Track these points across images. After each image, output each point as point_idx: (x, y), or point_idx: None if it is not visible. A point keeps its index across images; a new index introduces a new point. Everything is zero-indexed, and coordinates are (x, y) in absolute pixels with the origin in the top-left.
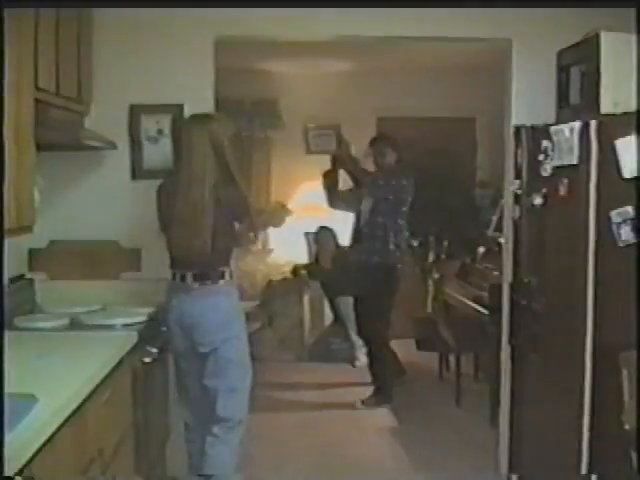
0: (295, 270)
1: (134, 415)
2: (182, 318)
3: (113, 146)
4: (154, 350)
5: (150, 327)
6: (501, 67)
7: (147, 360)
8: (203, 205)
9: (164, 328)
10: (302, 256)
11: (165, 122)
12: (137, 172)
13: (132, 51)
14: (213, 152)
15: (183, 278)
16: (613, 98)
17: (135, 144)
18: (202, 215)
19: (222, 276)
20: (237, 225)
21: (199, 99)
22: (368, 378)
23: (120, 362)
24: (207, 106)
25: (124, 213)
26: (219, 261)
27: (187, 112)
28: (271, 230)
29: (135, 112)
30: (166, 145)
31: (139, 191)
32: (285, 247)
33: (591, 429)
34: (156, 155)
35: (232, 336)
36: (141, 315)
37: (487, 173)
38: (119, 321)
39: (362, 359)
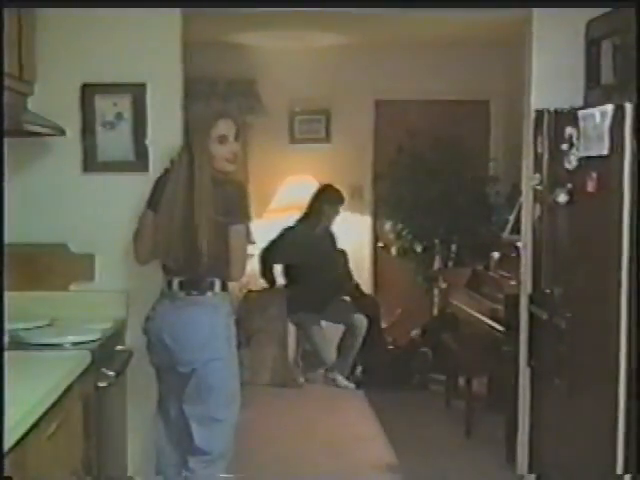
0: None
1: (85, 451)
2: (162, 329)
3: (61, 132)
4: (111, 373)
5: (106, 346)
6: (520, 41)
7: (102, 385)
8: (205, 202)
9: (119, 347)
10: None
11: (124, 104)
12: (90, 164)
13: (84, 20)
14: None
15: (170, 284)
16: None
17: (87, 130)
18: (202, 213)
19: (211, 287)
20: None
21: (164, 78)
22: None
23: (69, 388)
24: (174, 86)
25: (74, 212)
26: (211, 269)
27: (150, 92)
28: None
29: (88, 92)
30: (125, 132)
31: (92, 186)
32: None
33: (627, 468)
34: (113, 144)
35: (215, 358)
36: (95, 332)
37: (502, 166)
38: (69, 339)
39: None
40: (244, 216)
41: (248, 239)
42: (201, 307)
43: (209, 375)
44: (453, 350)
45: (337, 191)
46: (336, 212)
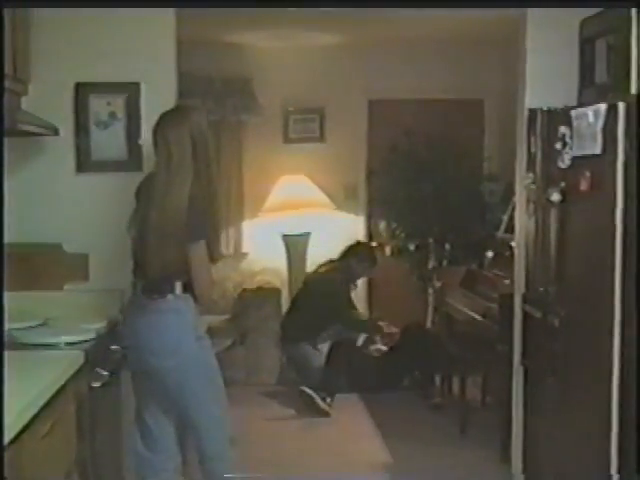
0: None
1: (79, 450)
2: (131, 336)
3: (55, 132)
4: (105, 373)
5: (99, 346)
6: (514, 40)
7: (96, 385)
8: (178, 210)
9: (114, 347)
10: (280, 261)
11: (118, 104)
12: (84, 163)
13: (78, 19)
14: (192, 148)
15: (135, 287)
16: None
17: (81, 130)
18: (175, 220)
19: (171, 290)
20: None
21: (159, 77)
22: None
23: (63, 387)
24: (168, 85)
25: (68, 212)
26: (168, 271)
27: (145, 92)
28: (245, 231)
29: (82, 92)
30: (119, 131)
31: (86, 186)
32: (260, 251)
33: (620, 469)
34: (107, 143)
35: (186, 361)
36: (88, 332)
37: (496, 164)
38: (63, 339)
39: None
40: (197, 233)
41: (213, 255)
42: (165, 313)
43: (182, 379)
44: (447, 349)
45: (369, 248)
46: (367, 269)
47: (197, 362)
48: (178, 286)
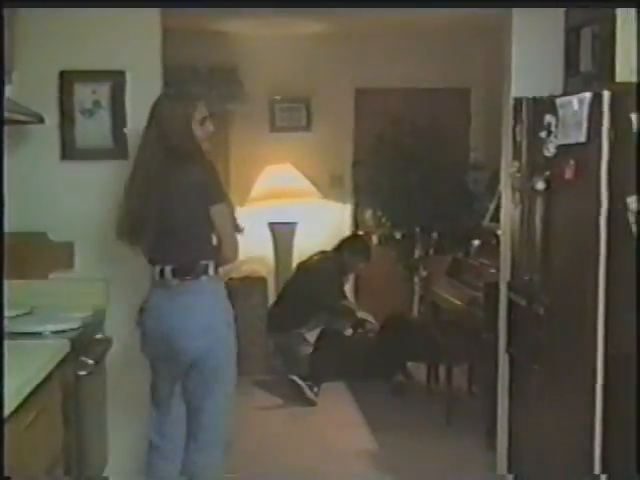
0: None
1: (65, 439)
2: (160, 320)
3: (40, 120)
4: (90, 362)
5: (85, 334)
6: (500, 29)
7: (82, 373)
8: (185, 194)
9: (98, 336)
10: (267, 250)
11: (103, 92)
12: (69, 151)
13: (63, 7)
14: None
15: (162, 273)
16: (631, 64)
17: (66, 118)
18: (184, 203)
19: (205, 271)
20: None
21: (144, 65)
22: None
23: (49, 376)
24: (153, 73)
25: (53, 200)
26: (202, 253)
27: (130, 80)
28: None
29: (66, 80)
30: (104, 119)
31: (71, 174)
32: (247, 240)
33: (604, 453)
34: (92, 131)
35: (217, 342)
36: (74, 321)
37: (483, 153)
38: (48, 327)
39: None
40: (220, 195)
41: (233, 220)
42: (198, 294)
43: (213, 360)
44: (434, 337)
45: (364, 242)
46: (360, 262)
47: (226, 344)
48: (211, 267)
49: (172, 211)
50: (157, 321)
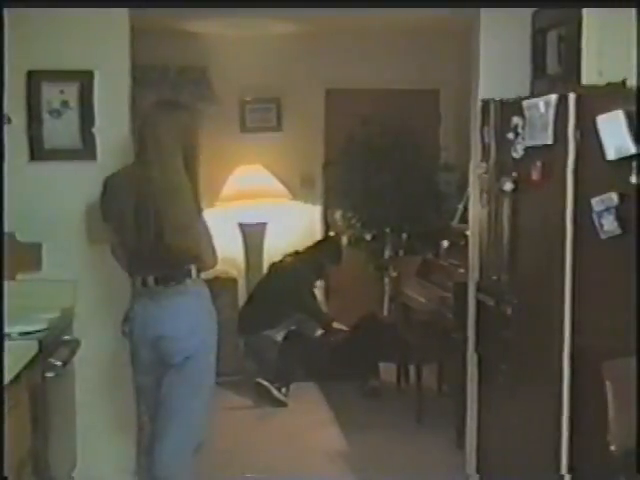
0: None
1: (33, 440)
2: (147, 327)
3: (7, 120)
4: (58, 363)
5: (53, 336)
6: (468, 30)
7: (50, 375)
8: (171, 202)
9: (66, 337)
10: (237, 251)
11: (71, 92)
12: (37, 152)
13: (63, 7)
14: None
15: (144, 282)
16: (597, 66)
17: (34, 118)
18: (171, 210)
19: (188, 274)
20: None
21: (112, 65)
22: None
23: (16, 378)
24: (122, 73)
25: (21, 200)
26: (183, 259)
27: (98, 80)
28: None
29: (34, 79)
30: (73, 120)
31: (40, 174)
32: (217, 241)
33: (570, 452)
34: (60, 132)
35: (205, 343)
36: (42, 322)
37: (452, 154)
38: (15, 329)
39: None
40: (199, 203)
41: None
42: (183, 295)
43: (195, 362)
44: (404, 338)
45: (337, 244)
46: (332, 264)
47: (210, 346)
48: (194, 269)
49: (158, 221)
50: (144, 327)
